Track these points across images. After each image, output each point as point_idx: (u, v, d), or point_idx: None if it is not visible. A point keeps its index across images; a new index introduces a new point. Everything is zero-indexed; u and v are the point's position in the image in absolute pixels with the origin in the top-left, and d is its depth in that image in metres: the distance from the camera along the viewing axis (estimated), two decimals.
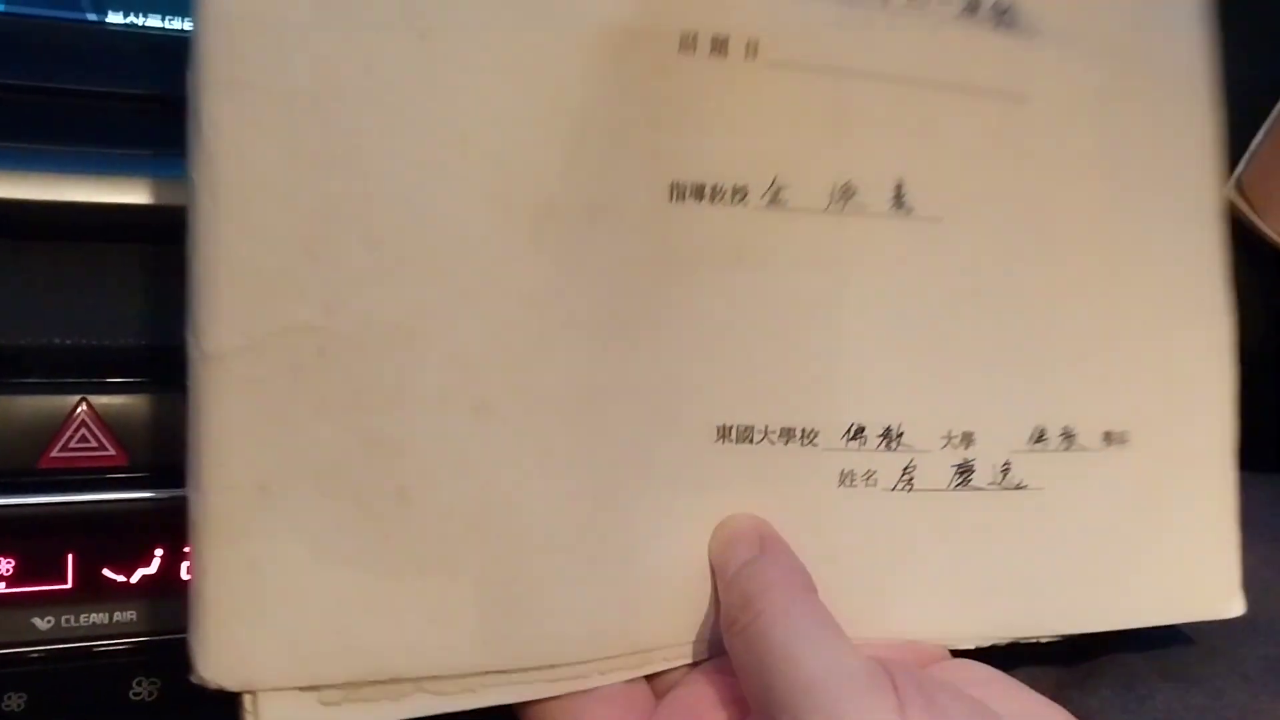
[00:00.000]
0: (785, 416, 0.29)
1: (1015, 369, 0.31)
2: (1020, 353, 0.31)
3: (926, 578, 0.31)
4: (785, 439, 0.29)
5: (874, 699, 0.23)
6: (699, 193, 0.28)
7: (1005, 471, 0.31)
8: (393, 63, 0.25)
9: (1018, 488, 0.32)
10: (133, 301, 0.32)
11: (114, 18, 0.38)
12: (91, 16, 0.37)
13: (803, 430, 0.29)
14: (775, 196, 0.29)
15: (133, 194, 0.31)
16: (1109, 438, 0.32)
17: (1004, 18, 0.31)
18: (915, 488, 0.30)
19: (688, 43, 0.28)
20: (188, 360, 0.25)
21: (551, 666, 0.27)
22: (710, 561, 0.29)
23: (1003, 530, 0.31)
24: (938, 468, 0.31)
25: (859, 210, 0.29)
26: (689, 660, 0.29)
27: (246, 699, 0.25)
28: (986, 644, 0.31)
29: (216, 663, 0.25)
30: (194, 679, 0.25)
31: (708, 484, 0.29)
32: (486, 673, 0.26)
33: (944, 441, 0.31)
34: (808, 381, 0.29)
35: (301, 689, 0.25)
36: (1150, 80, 0.33)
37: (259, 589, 0.25)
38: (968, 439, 0.31)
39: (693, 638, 0.29)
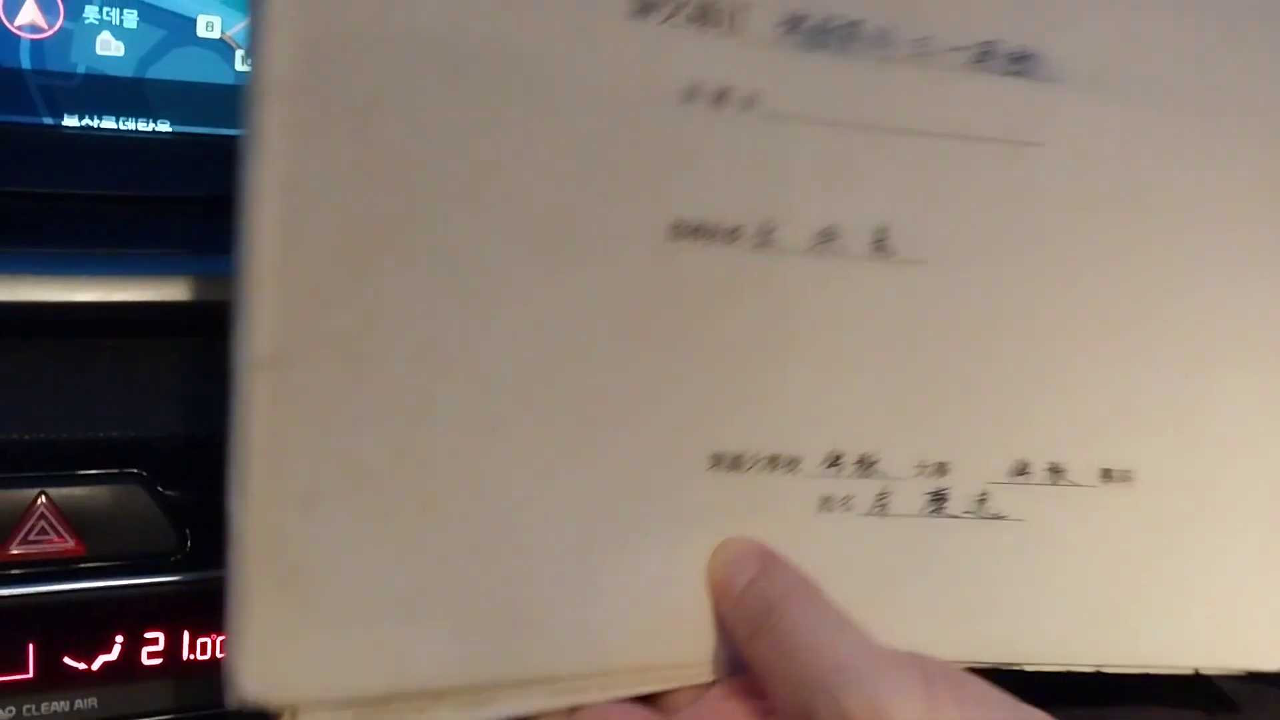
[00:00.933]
0: (772, 445, 0.31)
1: (996, 403, 0.33)
2: (1004, 388, 0.33)
3: (904, 600, 0.32)
4: (771, 466, 0.31)
5: (903, 675, 0.24)
6: (695, 232, 0.30)
7: (982, 501, 0.33)
8: (442, 93, 0.27)
9: (995, 517, 0.33)
10: (89, 395, 0.33)
11: (70, 120, 0.41)
12: (47, 120, 0.41)
13: (787, 458, 0.31)
14: (764, 238, 0.30)
15: (87, 292, 0.33)
16: (1108, 475, 0.33)
17: (1021, 66, 0.32)
18: (889, 513, 0.32)
19: (688, 94, 0.29)
20: (235, 372, 0.25)
21: (552, 680, 0.28)
22: (711, 583, 0.30)
23: (980, 558, 0.33)
24: (911, 495, 0.32)
25: (839, 254, 0.31)
26: (689, 682, 0.30)
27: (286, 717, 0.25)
28: (967, 665, 0.33)
29: (260, 679, 0.25)
30: (232, 701, 0.24)
31: (701, 510, 0.30)
32: (499, 685, 0.27)
33: (917, 470, 0.32)
34: (792, 411, 0.31)
35: (338, 705, 0.26)
36: (1203, 119, 0.34)
37: (300, 602, 0.25)
38: (941, 468, 0.32)
39: (692, 659, 0.30)
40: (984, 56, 0.32)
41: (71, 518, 0.33)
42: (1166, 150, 0.33)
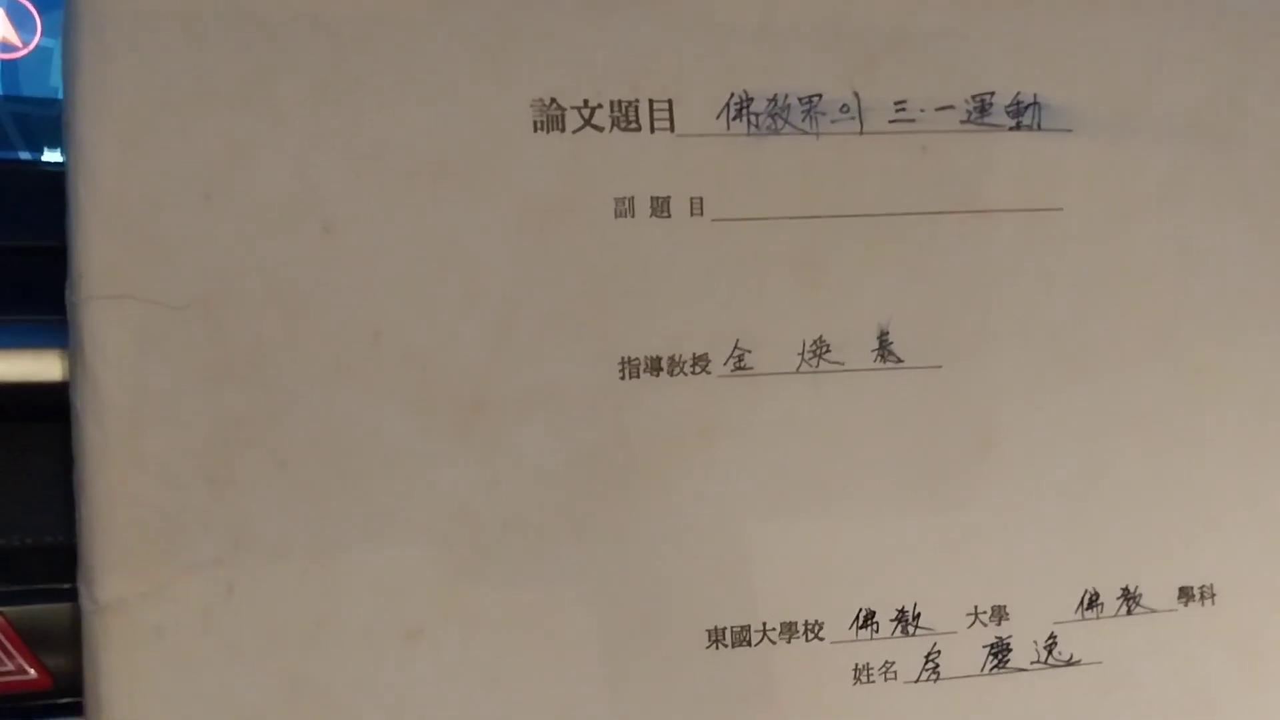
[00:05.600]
0: (784, 610, 0.26)
1: (1052, 525, 0.28)
2: (1057, 506, 0.28)
3: None
4: (787, 636, 0.26)
5: None
6: (654, 366, 0.25)
7: (1050, 647, 0.28)
8: (294, 262, 0.23)
9: (1069, 664, 0.28)
10: (53, 491, 0.29)
11: (52, 155, 0.35)
12: (24, 155, 0.35)
13: (805, 624, 0.26)
14: (740, 361, 0.26)
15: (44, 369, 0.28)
16: (1187, 594, 0.28)
17: (1025, 117, 0.27)
18: (942, 676, 0.27)
19: (624, 208, 0.25)
20: (81, 615, 0.23)
21: None
22: None
23: (1058, 714, 0.28)
24: (966, 651, 0.27)
25: (836, 367, 0.26)
26: None
27: None
28: None
29: None
30: None
31: (703, 696, 0.26)
32: None
33: (970, 619, 0.27)
34: (805, 567, 0.26)
35: None
36: (1236, 155, 0.29)
37: None
38: (999, 613, 0.27)
39: None
40: (981, 109, 0.27)
41: (32, 642, 0.28)
42: (1203, 197, 0.29)
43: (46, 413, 0.27)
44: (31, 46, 0.34)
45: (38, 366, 0.27)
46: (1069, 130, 0.28)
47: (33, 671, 0.28)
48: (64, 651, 0.28)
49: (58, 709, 0.28)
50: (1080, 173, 0.28)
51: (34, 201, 0.30)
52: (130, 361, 0.23)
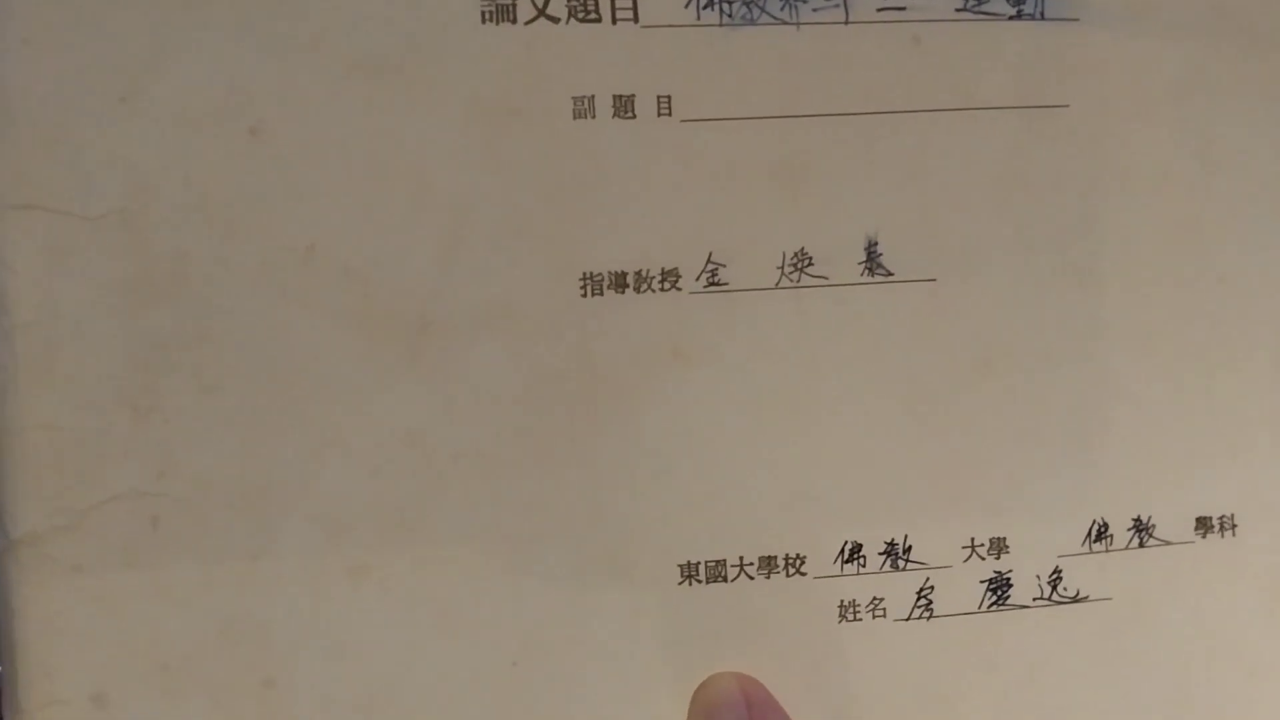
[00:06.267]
0: (763, 543, 0.24)
1: (1056, 451, 0.26)
2: (1061, 430, 0.26)
3: (967, 717, 0.26)
4: (766, 570, 0.24)
5: None
6: (619, 283, 0.23)
7: (1055, 582, 0.26)
8: (219, 168, 0.22)
9: (1075, 600, 0.26)
10: None
11: None
12: None
13: (786, 558, 0.25)
14: (713, 276, 0.24)
15: None
16: (1204, 526, 0.26)
17: (1028, 4, 0.25)
18: (936, 613, 0.25)
19: (583, 107, 0.23)
20: None
21: None
22: None
23: (1063, 655, 0.26)
24: (962, 586, 0.26)
25: (820, 282, 0.24)
26: None
27: None
28: None
29: None
30: None
31: (676, 635, 0.24)
32: None
33: (966, 552, 0.25)
34: (785, 495, 0.25)
35: None
36: (1274, 53, 0.27)
37: None
38: (998, 545, 0.26)
39: None
40: None
41: None
42: (1224, 93, 0.26)
43: None
44: None
45: None
46: (1076, 19, 0.25)
47: None
48: None
49: None
50: (1088, 66, 0.25)
51: None
52: (40, 277, 0.21)
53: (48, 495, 0.21)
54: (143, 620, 0.22)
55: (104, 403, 0.21)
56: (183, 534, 0.22)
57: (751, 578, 0.24)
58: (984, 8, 0.25)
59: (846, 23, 0.24)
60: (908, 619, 0.25)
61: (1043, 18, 0.25)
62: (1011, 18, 0.25)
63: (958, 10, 0.25)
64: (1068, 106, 0.25)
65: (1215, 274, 0.26)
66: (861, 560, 0.25)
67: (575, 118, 0.23)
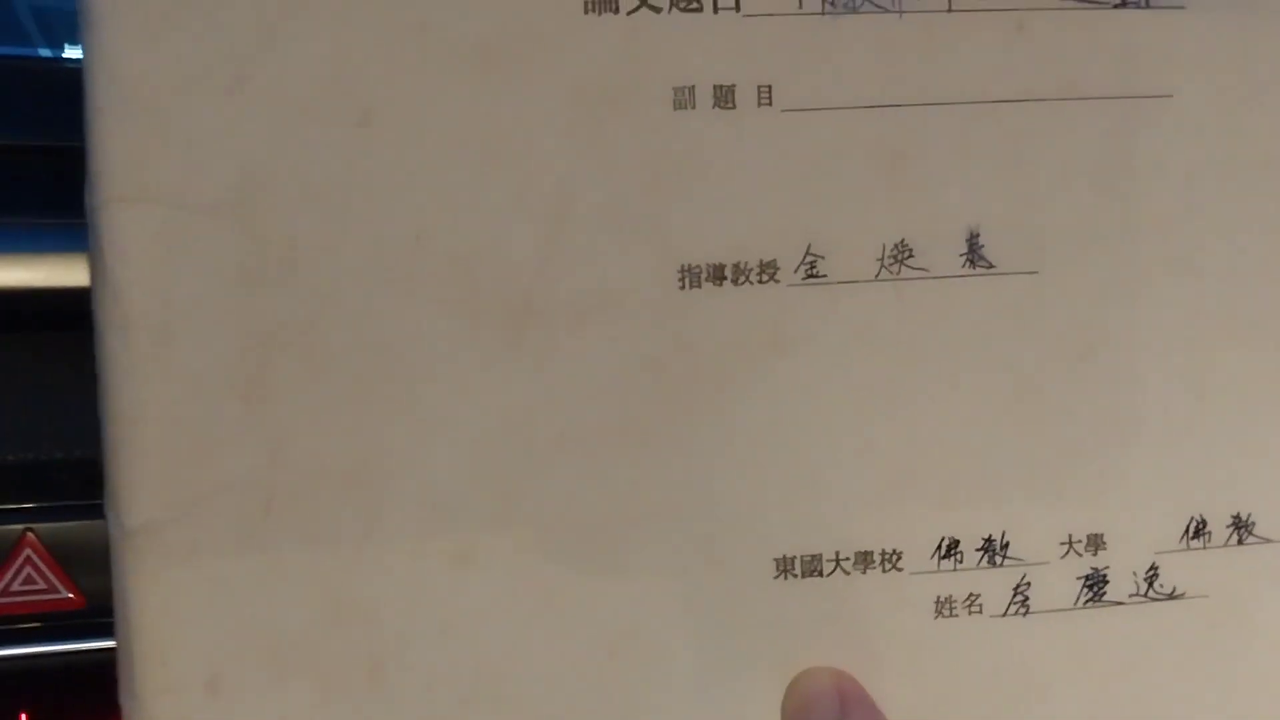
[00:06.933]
0: (859, 538, 0.24)
1: (1155, 445, 0.25)
2: (1162, 424, 0.25)
3: (1061, 716, 0.25)
4: (862, 566, 0.24)
5: None
6: (717, 274, 0.23)
7: (1151, 579, 0.25)
8: (328, 156, 0.22)
9: (1171, 597, 0.25)
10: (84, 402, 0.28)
11: (74, 52, 0.33)
12: (44, 52, 0.33)
13: (882, 553, 0.24)
14: (812, 269, 0.23)
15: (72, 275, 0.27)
16: None
17: None
18: (1032, 609, 0.25)
19: (684, 98, 0.23)
20: (110, 537, 0.22)
21: None
22: None
23: (1159, 652, 0.26)
24: (1059, 582, 0.25)
25: (920, 274, 0.24)
26: None
27: None
28: None
29: None
30: None
31: (770, 629, 0.24)
32: None
33: (1064, 549, 0.25)
34: (881, 489, 0.24)
35: None
36: None
37: None
38: (1095, 542, 0.25)
39: None
40: None
41: (65, 562, 0.27)
42: None
43: (75, 320, 0.25)
44: None
45: (65, 273, 0.25)
46: (1181, 7, 0.25)
47: (66, 591, 0.27)
48: (98, 571, 0.27)
49: (92, 629, 0.27)
50: (1194, 54, 0.25)
51: (55, 100, 0.29)
52: (154, 268, 0.21)
53: (163, 485, 0.21)
54: (254, 605, 0.22)
55: (216, 391, 0.22)
56: (293, 518, 0.22)
57: (848, 573, 0.24)
58: None
59: (949, 10, 0.24)
60: (1004, 614, 0.25)
61: (1148, 6, 0.24)
62: (1117, 5, 0.24)
63: None
64: (1171, 96, 0.25)
65: None
66: (959, 556, 0.25)
67: (676, 108, 0.23)
